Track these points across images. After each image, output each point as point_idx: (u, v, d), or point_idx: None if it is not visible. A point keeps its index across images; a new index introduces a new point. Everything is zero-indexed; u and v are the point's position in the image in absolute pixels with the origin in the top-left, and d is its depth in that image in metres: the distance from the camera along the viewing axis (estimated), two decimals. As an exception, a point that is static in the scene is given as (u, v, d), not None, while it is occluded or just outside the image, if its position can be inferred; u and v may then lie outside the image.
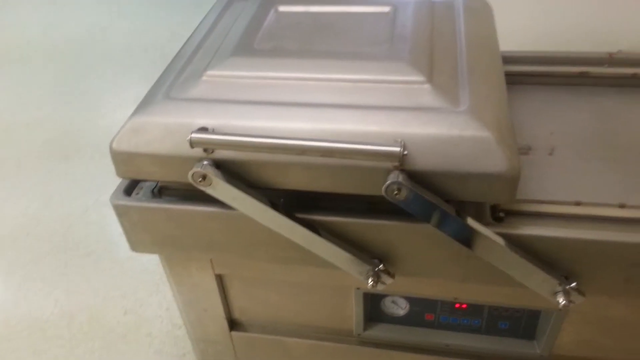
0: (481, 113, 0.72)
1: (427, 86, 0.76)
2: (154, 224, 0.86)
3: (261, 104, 0.77)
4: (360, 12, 0.94)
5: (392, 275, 0.81)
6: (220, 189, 0.74)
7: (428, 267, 0.81)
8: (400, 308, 1.00)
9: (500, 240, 0.74)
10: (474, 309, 0.96)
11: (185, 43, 0.95)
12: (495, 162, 0.68)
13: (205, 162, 0.74)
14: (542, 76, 1.12)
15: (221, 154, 0.74)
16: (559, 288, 0.75)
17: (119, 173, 0.81)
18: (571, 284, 0.75)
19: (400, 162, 0.68)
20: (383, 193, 0.69)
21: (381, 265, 0.80)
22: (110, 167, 0.80)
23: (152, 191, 0.88)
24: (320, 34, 0.89)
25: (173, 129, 0.76)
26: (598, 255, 0.75)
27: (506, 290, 0.88)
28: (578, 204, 0.79)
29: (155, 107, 0.79)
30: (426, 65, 0.79)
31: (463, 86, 0.77)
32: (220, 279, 1.00)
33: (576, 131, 0.99)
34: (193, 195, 0.84)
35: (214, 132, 0.73)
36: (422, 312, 0.99)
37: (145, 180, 0.88)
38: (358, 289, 0.95)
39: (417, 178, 0.70)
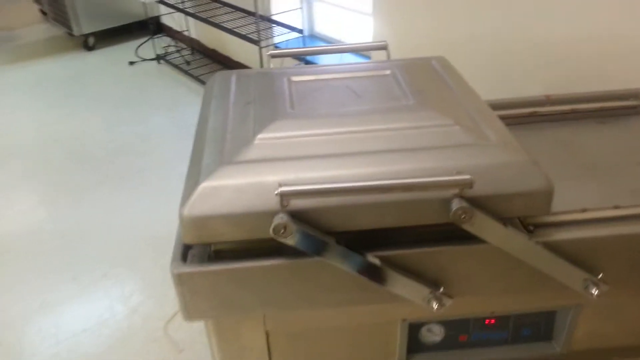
0: (510, 144, 0.87)
1: (457, 127, 0.89)
2: (214, 287, 0.88)
3: (317, 157, 0.85)
4: (366, 75, 1.07)
5: (451, 297, 0.90)
6: (301, 237, 0.79)
7: (478, 284, 0.92)
8: (436, 335, 1.08)
9: (540, 247, 0.87)
10: (502, 322, 1.07)
11: (205, 117, 1.01)
12: (536, 180, 0.82)
13: (282, 215, 0.79)
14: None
15: (296, 205, 0.80)
16: (589, 281, 0.90)
17: (188, 239, 0.83)
18: (598, 275, 0.90)
19: (461, 190, 0.79)
20: (451, 219, 0.80)
21: (442, 289, 0.89)
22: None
23: (209, 255, 0.90)
24: (342, 95, 1.00)
25: (244, 189, 0.81)
26: (612, 249, 0.91)
27: (532, 297, 1.00)
28: (584, 210, 0.95)
29: (220, 172, 0.83)
30: (449, 111, 0.93)
31: (481, 125, 0.92)
32: (267, 337, 1.01)
33: (545, 157, 1.19)
34: (248, 253, 0.88)
35: (299, 184, 0.79)
36: (456, 335, 1.08)
37: (213, 243, 0.89)
38: (404, 320, 1.02)
39: (475, 202, 0.81)
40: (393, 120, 0.91)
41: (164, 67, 3.68)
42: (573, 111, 1.32)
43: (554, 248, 0.88)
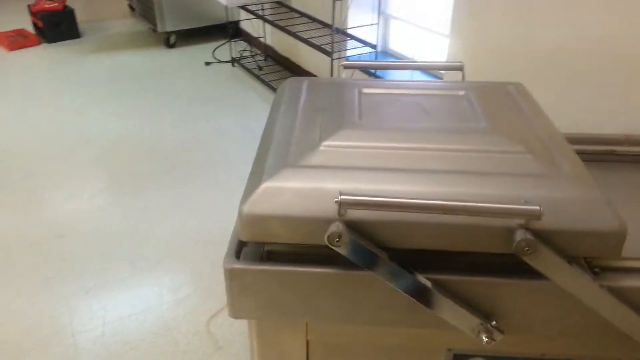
0: (583, 179, 0.82)
1: (528, 155, 0.86)
2: (263, 287, 0.88)
3: (380, 170, 0.85)
4: (438, 94, 1.06)
5: (502, 332, 0.86)
6: (353, 248, 0.79)
7: (534, 323, 0.87)
8: (482, 369, 1.04)
9: (604, 291, 0.82)
10: (553, 366, 1.01)
11: (273, 120, 1.02)
12: (609, 220, 0.78)
13: (338, 223, 0.79)
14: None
15: (353, 215, 0.79)
16: (657, 336, 0.83)
17: (245, 236, 0.84)
18: (667, 331, 0.84)
19: (527, 220, 0.76)
20: (513, 250, 0.76)
21: (494, 322, 0.85)
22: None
23: (261, 255, 0.90)
24: (411, 111, 0.99)
25: (304, 193, 0.81)
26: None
27: (590, 343, 0.94)
28: (660, 259, 0.89)
29: (283, 174, 0.84)
30: (520, 138, 0.90)
31: (554, 155, 0.88)
32: (307, 345, 1.01)
33: (620, 199, 1.12)
34: (299, 258, 0.88)
35: (359, 194, 0.78)
36: (503, 372, 1.03)
37: (267, 243, 0.90)
38: (449, 350, 0.98)
39: (540, 236, 0.78)
40: (461, 141, 0.89)
41: (237, 70, 3.78)
42: (653, 154, 1.24)
43: (620, 294, 0.83)
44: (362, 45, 2.71)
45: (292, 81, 1.19)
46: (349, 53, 2.78)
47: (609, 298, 0.82)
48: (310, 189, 0.82)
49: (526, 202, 0.76)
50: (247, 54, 3.97)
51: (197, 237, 2.15)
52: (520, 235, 0.76)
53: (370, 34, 2.74)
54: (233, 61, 3.86)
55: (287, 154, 0.89)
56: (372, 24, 2.73)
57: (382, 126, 0.93)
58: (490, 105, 1.02)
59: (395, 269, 0.81)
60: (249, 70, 3.70)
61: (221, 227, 2.14)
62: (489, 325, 0.85)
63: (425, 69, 1.18)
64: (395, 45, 2.78)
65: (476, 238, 0.80)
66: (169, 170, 2.61)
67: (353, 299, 0.88)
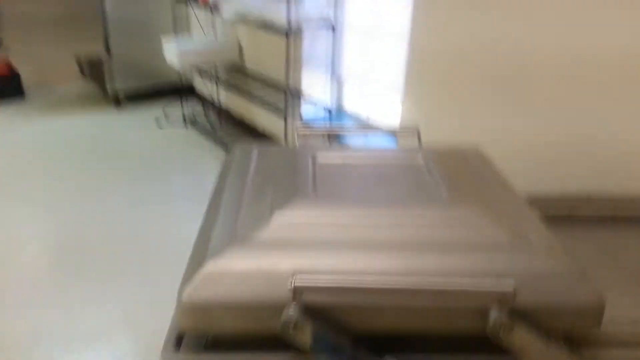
0: (554, 249, 0.77)
1: (494, 227, 0.80)
2: (209, 383, 0.77)
3: (338, 245, 0.77)
4: (396, 163, 1.00)
5: (479, 421, 0.77)
6: (314, 338, 0.69)
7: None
8: None
9: (587, 373, 0.75)
10: None
11: (219, 190, 0.94)
12: (586, 293, 0.72)
13: (293, 309, 0.70)
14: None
15: (311, 297, 0.71)
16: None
17: (185, 326, 0.73)
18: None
19: (502, 300, 0.69)
20: (488, 332, 0.69)
21: (469, 411, 0.76)
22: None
23: (205, 342, 0.79)
24: (369, 181, 0.93)
25: (253, 275, 0.72)
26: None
27: None
28: (635, 323, 0.84)
29: (229, 252, 0.75)
30: (485, 208, 0.84)
31: (521, 225, 0.83)
32: None
33: (588, 264, 1.08)
34: (250, 343, 0.77)
35: (315, 275, 0.70)
36: None
37: (213, 333, 0.79)
38: None
39: (515, 314, 0.71)
40: (423, 213, 0.82)
41: (191, 132, 3.70)
42: (614, 214, 1.22)
43: (603, 373, 0.76)
44: (316, 106, 2.69)
45: (241, 148, 1.12)
46: (303, 114, 2.76)
47: (591, 379, 0.75)
48: (260, 271, 0.73)
49: (498, 278, 0.70)
50: (201, 115, 3.91)
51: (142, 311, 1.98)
52: (494, 315, 0.69)
53: (324, 95, 2.74)
54: (186, 122, 3.79)
55: (234, 229, 0.80)
56: (325, 86, 2.73)
57: (338, 197, 0.87)
58: (450, 172, 0.97)
59: (362, 356, 0.72)
60: (203, 131, 3.63)
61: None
62: (464, 415, 0.76)
63: (379, 132, 1.14)
64: (349, 106, 2.78)
65: (446, 320, 0.72)
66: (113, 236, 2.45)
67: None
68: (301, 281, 0.67)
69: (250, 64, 3.27)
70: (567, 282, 0.72)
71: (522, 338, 0.70)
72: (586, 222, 1.22)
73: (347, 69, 2.71)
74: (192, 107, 4.01)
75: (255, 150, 1.08)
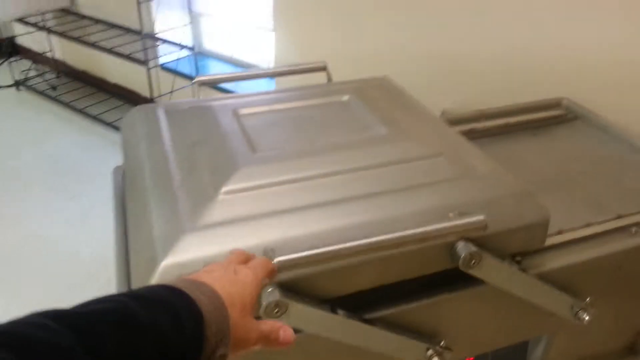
0: (500, 174, 0.80)
1: (441, 159, 0.81)
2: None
3: (298, 209, 0.72)
4: (323, 103, 0.95)
5: (451, 350, 0.81)
6: (299, 313, 0.65)
7: (477, 330, 0.84)
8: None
9: (536, 280, 0.81)
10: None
11: (136, 167, 0.82)
12: (535, 211, 0.76)
13: (271, 290, 0.65)
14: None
15: (285, 275, 0.66)
16: (578, 306, 0.86)
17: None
18: (585, 300, 0.87)
19: (474, 232, 0.71)
20: (460, 266, 0.71)
21: (442, 342, 0.80)
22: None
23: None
24: (306, 129, 0.87)
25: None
26: (595, 270, 0.88)
27: (514, 331, 0.95)
28: (560, 232, 0.92)
29: (183, 243, 0.66)
30: (426, 141, 0.84)
31: (461, 154, 0.85)
32: None
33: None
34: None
35: (289, 249, 0.64)
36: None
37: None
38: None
39: (480, 244, 0.73)
40: (373, 155, 0.80)
41: (25, 95, 3.22)
42: (507, 125, 1.32)
43: (547, 278, 0.84)
44: (177, 49, 2.47)
45: (139, 111, 0.98)
46: (163, 59, 2.52)
47: (540, 285, 0.82)
48: (223, 256, 0.65)
49: (460, 213, 0.71)
50: (33, 73, 3.40)
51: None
52: (463, 249, 0.71)
53: (183, 36, 2.51)
54: (17, 84, 3.28)
55: (177, 214, 0.71)
56: (183, 25, 2.50)
57: (282, 155, 0.80)
58: (376, 107, 0.95)
59: (341, 321, 0.70)
60: (40, 93, 3.17)
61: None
62: (437, 347, 0.79)
63: (287, 74, 1.07)
64: (210, 45, 2.60)
65: (419, 262, 0.72)
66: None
67: (294, 363, 0.75)
68: (279, 261, 0.61)
69: (87, 8, 2.88)
70: (520, 204, 0.76)
71: (488, 265, 0.73)
72: (482, 137, 1.30)
73: (205, 5, 2.50)
74: (21, 67, 3.47)
75: (159, 111, 0.95)
